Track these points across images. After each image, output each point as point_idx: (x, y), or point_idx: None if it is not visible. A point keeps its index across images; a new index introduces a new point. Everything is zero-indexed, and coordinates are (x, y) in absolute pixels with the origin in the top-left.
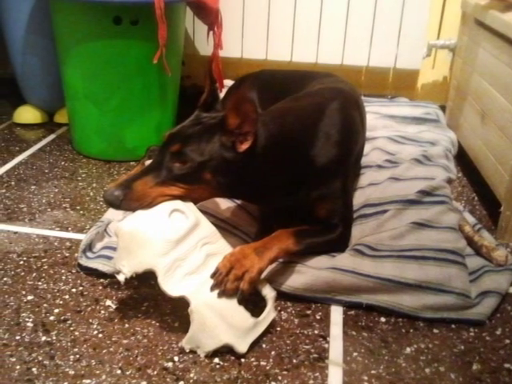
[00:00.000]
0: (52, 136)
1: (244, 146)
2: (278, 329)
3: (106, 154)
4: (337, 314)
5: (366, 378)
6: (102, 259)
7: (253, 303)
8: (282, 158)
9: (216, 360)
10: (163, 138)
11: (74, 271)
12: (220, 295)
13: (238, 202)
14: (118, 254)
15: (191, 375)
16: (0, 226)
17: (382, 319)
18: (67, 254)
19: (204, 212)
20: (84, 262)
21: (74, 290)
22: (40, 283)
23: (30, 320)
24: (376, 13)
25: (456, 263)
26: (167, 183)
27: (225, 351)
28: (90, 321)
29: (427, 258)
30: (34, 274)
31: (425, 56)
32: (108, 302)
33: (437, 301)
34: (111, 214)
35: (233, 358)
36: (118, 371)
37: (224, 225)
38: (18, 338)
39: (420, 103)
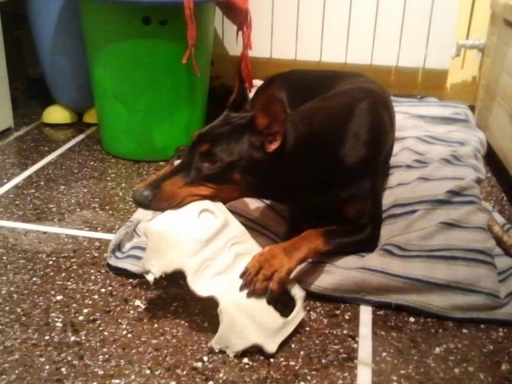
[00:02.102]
0: (81, 136)
1: (273, 146)
2: (307, 329)
3: (135, 153)
4: (366, 314)
5: (395, 378)
6: (131, 259)
7: (282, 303)
8: (311, 158)
9: (245, 360)
10: (192, 137)
11: (103, 271)
12: (249, 295)
13: (267, 202)
14: (147, 254)
15: (220, 375)
16: (29, 226)
17: (411, 319)
18: (96, 254)
19: (233, 212)
20: (113, 262)
21: (103, 290)
22: (69, 283)
23: (60, 320)
24: (405, 13)
25: (485, 263)
26: (196, 183)
27: (254, 351)
28: (119, 321)
29: (456, 258)
30: (64, 274)
31: (454, 56)
32: (137, 302)
33: (466, 301)
34: (140, 213)
35: (262, 357)
36: (148, 371)
37: (253, 225)
38: (47, 337)
39: (449, 103)
